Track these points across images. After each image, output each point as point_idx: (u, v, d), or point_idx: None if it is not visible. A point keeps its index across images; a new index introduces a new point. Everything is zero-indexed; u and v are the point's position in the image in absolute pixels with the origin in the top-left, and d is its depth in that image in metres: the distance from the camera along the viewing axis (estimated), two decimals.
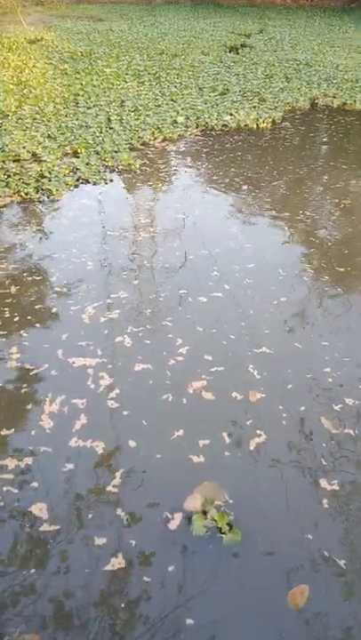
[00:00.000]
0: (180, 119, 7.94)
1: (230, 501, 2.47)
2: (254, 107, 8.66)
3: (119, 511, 2.43)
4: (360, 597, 2.12)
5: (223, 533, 2.32)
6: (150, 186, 5.93)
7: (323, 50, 13.34)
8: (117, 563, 2.23)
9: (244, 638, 2.00)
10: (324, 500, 2.48)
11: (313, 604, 2.10)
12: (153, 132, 7.43)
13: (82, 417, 2.90)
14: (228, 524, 2.35)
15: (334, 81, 10.43)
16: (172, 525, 2.36)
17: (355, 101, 9.25)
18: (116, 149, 6.72)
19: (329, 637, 2.00)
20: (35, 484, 2.54)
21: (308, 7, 22.49)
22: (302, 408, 2.98)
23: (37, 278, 4.14)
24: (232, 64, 11.54)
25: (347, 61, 12.10)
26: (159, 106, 8.51)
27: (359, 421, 2.91)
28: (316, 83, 10.27)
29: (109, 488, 2.53)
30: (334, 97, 9.50)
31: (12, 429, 2.84)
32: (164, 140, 7.35)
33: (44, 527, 2.35)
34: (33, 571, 2.19)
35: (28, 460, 2.66)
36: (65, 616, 2.05)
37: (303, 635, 2.01)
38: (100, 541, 2.31)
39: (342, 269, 4.36)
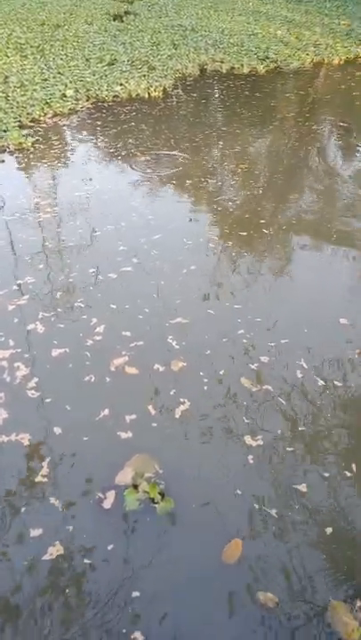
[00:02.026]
0: (70, 92, 7.65)
1: (160, 471, 2.51)
2: (144, 75, 8.52)
3: (52, 500, 2.40)
4: (293, 542, 2.25)
5: (156, 503, 2.36)
6: (46, 164, 5.71)
7: (207, 14, 13.30)
8: (56, 551, 2.21)
9: (188, 600, 2.06)
10: (250, 456, 2.59)
11: (249, 556, 2.20)
12: (42, 108, 7.12)
13: (2, 412, 2.80)
14: (160, 494, 2.39)
15: (221, 45, 10.46)
16: (107, 504, 2.37)
17: (242, 65, 9.35)
18: (4, 128, 6.36)
19: (268, 583, 2.12)
20: None
21: None
22: (222, 371, 3.06)
23: None
24: (117, 33, 11.23)
25: (231, 25, 12.16)
26: (46, 80, 8.14)
27: (275, 377, 3.04)
28: (203, 48, 10.25)
29: (39, 479, 2.48)
30: (222, 62, 9.55)
31: None
32: (55, 115, 7.07)
33: None
34: None
35: None
36: (8, 615, 2.01)
37: (242, 585, 2.10)
38: (35, 533, 2.27)
39: (245, 233, 4.47)
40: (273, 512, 2.35)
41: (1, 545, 2.22)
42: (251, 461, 2.56)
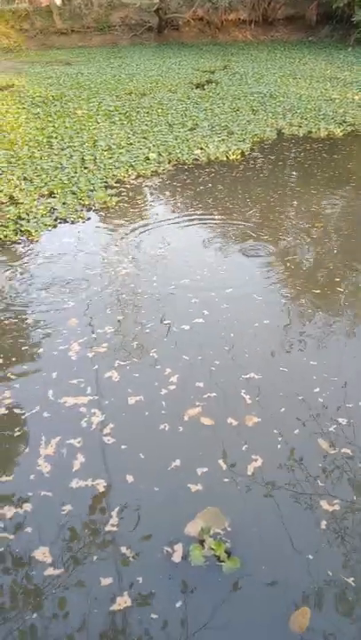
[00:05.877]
0: (153, 156, 8.13)
1: (228, 529, 2.47)
2: (223, 140, 8.92)
3: (123, 549, 2.41)
4: None
5: (222, 561, 2.31)
6: (128, 221, 6.03)
7: (285, 82, 13.85)
8: (123, 602, 2.21)
9: None
10: (323, 521, 2.49)
11: (317, 626, 2.09)
12: (127, 170, 7.60)
13: (79, 457, 2.89)
14: (226, 552, 2.34)
15: (298, 111, 10.81)
16: (176, 557, 2.35)
17: (319, 129, 9.58)
18: (91, 188, 6.84)
19: None
20: (37, 529, 2.51)
21: (269, 42, 23.39)
22: (296, 431, 3.01)
23: (19, 318, 4.15)
24: (199, 100, 11.91)
25: (309, 92, 12.57)
26: (131, 144, 8.72)
27: (355, 440, 2.94)
28: (281, 113, 10.64)
29: (108, 527, 2.51)
30: (300, 126, 9.84)
31: (11, 476, 2.80)
32: (139, 176, 7.51)
33: (49, 571, 2.32)
34: (35, 615, 2.15)
35: (27, 507, 2.62)
36: None
37: None
38: (105, 581, 2.28)
39: (319, 291, 4.47)
40: (349, 581, 2.24)
41: (71, 589, 2.24)
42: (324, 526, 2.47)
